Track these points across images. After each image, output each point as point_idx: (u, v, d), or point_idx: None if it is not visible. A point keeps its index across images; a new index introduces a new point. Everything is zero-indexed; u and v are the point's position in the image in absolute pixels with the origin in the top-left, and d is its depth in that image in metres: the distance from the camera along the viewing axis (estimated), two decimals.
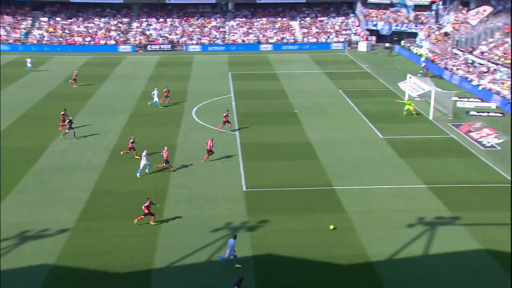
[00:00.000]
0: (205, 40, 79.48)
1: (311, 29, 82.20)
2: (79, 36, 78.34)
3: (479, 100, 48.44)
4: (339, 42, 78.95)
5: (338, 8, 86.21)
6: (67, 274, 22.14)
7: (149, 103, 46.91)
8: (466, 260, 23.23)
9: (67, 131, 38.17)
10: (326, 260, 22.98)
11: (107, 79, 58.16)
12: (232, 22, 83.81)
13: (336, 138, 38.75)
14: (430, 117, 43.39)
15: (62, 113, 40.09)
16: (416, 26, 77.61)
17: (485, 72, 53.43)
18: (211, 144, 33.65)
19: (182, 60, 70.44)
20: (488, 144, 37.43)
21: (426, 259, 23.19)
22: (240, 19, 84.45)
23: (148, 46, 77.26)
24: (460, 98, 47.84)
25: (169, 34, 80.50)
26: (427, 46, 68.62)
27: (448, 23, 71.40)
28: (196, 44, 78.56)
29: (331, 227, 25.65)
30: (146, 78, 58.90)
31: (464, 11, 74.15)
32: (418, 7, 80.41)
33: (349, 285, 21.64)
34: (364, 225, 26.08)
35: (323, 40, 79.51)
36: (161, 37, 79.79)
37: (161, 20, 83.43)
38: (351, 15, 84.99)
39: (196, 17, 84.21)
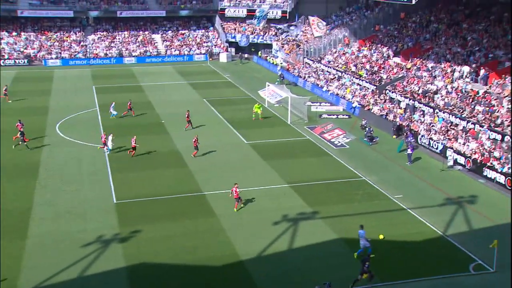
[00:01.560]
0: (65, 54, 76.74)
1: (173, 41, 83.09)
2: None
3: (329, 104, 52.57)
4: (201, 53, 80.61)
5: (198, 21, 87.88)
6: None
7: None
8: (325, 249, 25.31)
9: (20, 142, 38.27)
10: (200, 263, 23.75)
11: None
12: (93, 36, 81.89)
13: (203, 145, 39.82)
14: (288, 121, 46.30)
15: (18, 124, 39.53)
16: (270, 38, 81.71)
17: (332, 79, 58.27)
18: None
19: (42, 75, 67.42)
20: (339, 144, 40.89)
21: (290, 253, 24.89)
22: (101, 33, 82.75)
23: (1, 61, 72.88)
24: (313, 103, 51.47)
25: (25, 48, 76.56)
26: (282, 56, 72.60)
27: (298, 35, 76.56)
28: (56, 58, 75.61)
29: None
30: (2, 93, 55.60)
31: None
32: (270, 21, 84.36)
33: (223, 285, 22.58)
34: (234, 226, 27.35)
35: (186, 52, 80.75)
36: (16, 51, 75.66)
37: (14, 33, 79.05)
38: (211, 28, 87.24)
39: (54, 31, 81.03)
